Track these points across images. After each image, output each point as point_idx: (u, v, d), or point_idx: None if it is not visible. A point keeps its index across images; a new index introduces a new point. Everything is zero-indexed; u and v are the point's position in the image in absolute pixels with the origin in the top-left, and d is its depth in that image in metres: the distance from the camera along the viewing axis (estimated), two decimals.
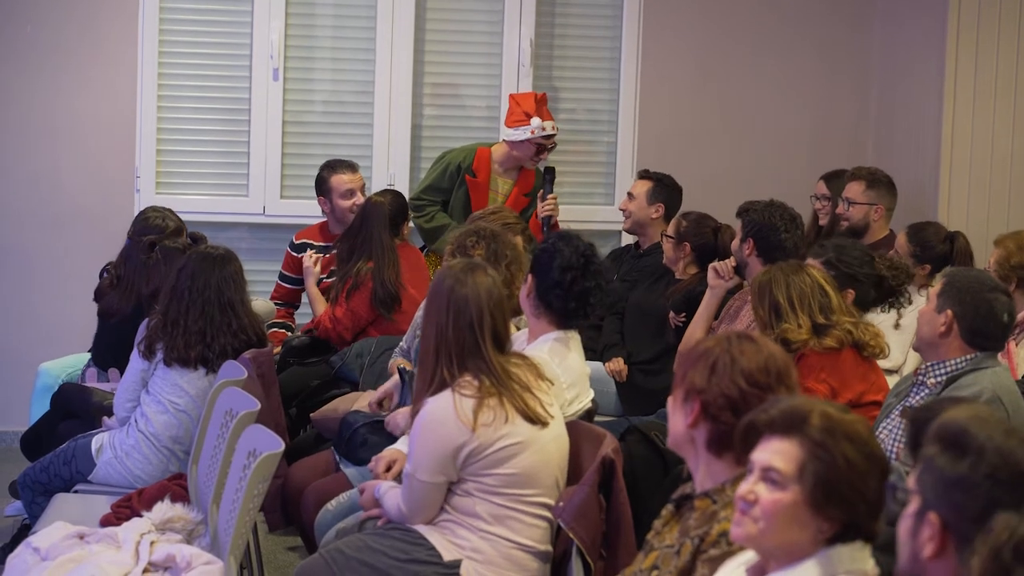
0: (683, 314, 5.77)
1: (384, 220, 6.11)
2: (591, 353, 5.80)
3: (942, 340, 4.11)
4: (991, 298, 4.09)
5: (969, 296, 4.08)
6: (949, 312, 4.08)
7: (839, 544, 2.32)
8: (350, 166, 6.55)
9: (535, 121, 6.56)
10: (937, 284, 4.24)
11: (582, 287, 4.29)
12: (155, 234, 5.69)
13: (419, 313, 5.40)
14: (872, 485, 2.33)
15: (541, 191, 6.67)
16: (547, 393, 3.82)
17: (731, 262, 5.55)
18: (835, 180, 6.56)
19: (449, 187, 6.67)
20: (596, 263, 4.36)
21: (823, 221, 6.59)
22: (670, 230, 6.05)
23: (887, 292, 4.94)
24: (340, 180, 6.49)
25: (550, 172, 6.70)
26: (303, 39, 7.12)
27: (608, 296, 4.52)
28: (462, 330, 3.72)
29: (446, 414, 3.67)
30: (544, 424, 3.74)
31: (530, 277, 4.33)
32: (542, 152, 6.66)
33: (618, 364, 5.95)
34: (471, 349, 3.71)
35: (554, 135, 6.65)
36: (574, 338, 4.36)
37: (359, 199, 6.45)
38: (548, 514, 3.78)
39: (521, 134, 6.59)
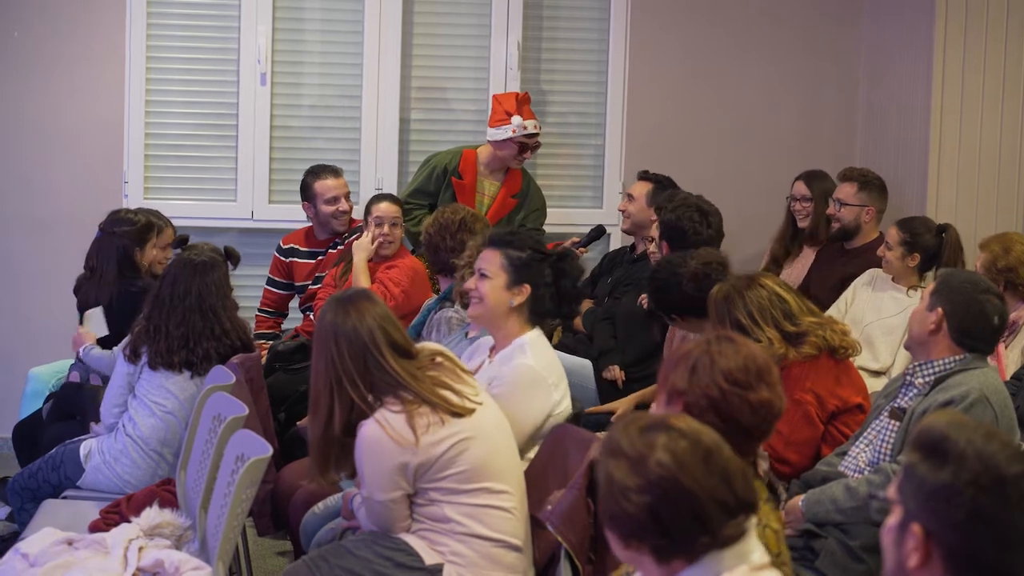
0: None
1: None
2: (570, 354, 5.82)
3: (931, 338, 4.11)
4: (983, 299, 4.09)
5: (961, 296, 4.09)
6: (940, 310, 4.09)
7: (716, 550, 2.25)
8: (334, 171, 6.54)
9: (516, 120, 6.54)
10: (931, 284, 4.26)
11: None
12: (125, 227, 5.71)
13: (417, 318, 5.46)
14: (638, 501, 2.24)
15: (577, 240, 6.59)
16: (468, 384, 3.82)
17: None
18: (816, 180, 6.54)
19: (435, 190, 6.65)
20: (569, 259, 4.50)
21: (803, 224, 6.54)
22: None
23: None
24: (324, 186, 6.49)
25: (599, 230, 6.71)
26: (290, 43, 7.11)
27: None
28: (357, 355, 3.68)
29: (380, 436, 3.65)
30: (470, 412, 3.73)
31: (527, 287, 4.34)
32: (525, 151, 6.64)
33: (615, 372, 5.89)
34: (374, 368, 3.69)
35: (537, 134, 6.63)
36: (542, 333, 4.40)
37: (343, 205, 6.47)
38: (517, 504, 3.79)
39: (503, 133, 6.58)
